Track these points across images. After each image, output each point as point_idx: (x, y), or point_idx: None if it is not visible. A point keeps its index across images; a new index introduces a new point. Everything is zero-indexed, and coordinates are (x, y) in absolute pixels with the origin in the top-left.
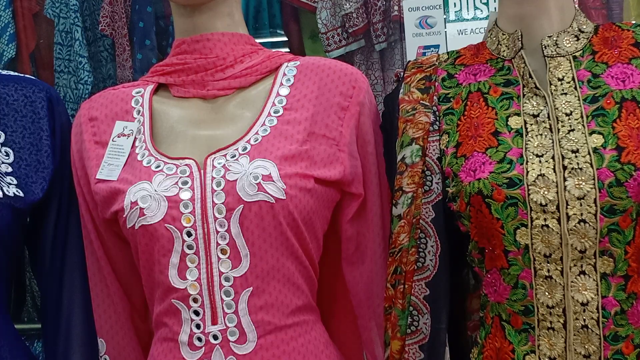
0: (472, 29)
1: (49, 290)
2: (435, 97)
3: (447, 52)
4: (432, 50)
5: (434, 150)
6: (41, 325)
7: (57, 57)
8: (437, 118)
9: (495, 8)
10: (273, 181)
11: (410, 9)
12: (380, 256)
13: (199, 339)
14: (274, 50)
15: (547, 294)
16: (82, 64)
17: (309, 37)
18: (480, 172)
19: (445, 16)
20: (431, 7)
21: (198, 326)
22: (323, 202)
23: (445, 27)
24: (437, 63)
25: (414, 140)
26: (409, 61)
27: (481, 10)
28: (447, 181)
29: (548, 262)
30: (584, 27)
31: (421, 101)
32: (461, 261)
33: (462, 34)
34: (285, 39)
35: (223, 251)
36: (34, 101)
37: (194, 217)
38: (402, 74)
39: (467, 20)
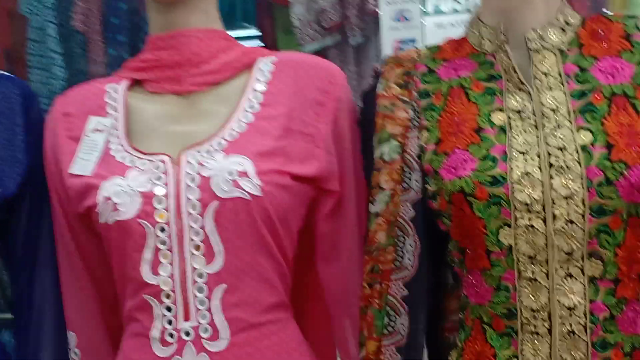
0: (450, 22)
1: (21, 284)
2: (414, 93)
3: (427, 47)
4: (409, 44)
5: (413, 146)
6: (13, 318)
7: (30, 53)
8: (417, 114)
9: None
10: (249, 177)
11: (387, 3)
12: (356, 254)
13: (171, 335)
14: (249, 45)
15: (531, 297)
16: (55, 60)
17: (282, 31)
18: (462, 170)
19: (422, 9)
20: (408, 1)
21: (170, 322)
22: (299, 198)
23: (422, 21)
24: (416, 58)
25: (393, 137)
26: (388, 56)
27: (459, 3)
28: (427, 178)
29: (533, 264)
30: (570, 19)
31: (400, 97)
32: (439, 260)
33: (440, 27)
34: (258, 32)
35: (197, 247)
36: (9, 97)
37: (168, 213)
38: (380, 68)
39: (445, 13)
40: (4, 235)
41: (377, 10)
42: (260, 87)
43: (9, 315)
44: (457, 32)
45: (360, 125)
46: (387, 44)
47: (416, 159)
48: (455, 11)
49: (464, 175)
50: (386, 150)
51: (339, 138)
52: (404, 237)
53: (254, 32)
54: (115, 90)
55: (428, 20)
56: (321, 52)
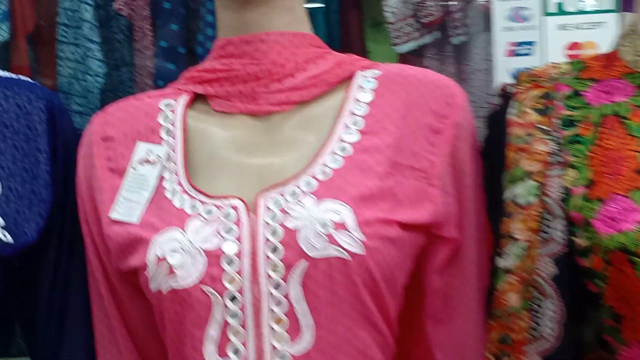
0: (576, 24)
1: (46, 346)
2: (556, 120)
3: (569, 62)
4: (526, 48)
5: (555, 188)
6: None
7: (61, 41)
8: (560, 147)
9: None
10: (348, 230)
11: None
12: (474, 314)
13: None
14: (345, 54)
15: None
16: (92, 50)
17: (372, 27)
18: (624, 222)
19: (543, 7)
20: None
21: None
22: (407, 250)
23: (542, 21)
24: (557, 76)
25: (529, 175)
26: (521, 72)
27: (588, 4)
28: (575, 229)
29: None
30: None
31: (538, 125)
32: (579, 320)
33: (563, 29)
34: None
35: (278, 321)
36: (29, 113)
37: (241, 277)
38: (511, 88)
39: (571, 13)
40: (21, 292)
41: (487, 6)
42: (360, 109)
43: None
44: (583, 36)
45: (484, 156)
46: (500, 47)
47: (559, 203)
48: (582, 11)
49: (626, 230)
50: (521, 192)
51: (458, 173)
52: (542, 301)
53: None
54: (172, 107)
55: (549, 21)
56: (417, 51)
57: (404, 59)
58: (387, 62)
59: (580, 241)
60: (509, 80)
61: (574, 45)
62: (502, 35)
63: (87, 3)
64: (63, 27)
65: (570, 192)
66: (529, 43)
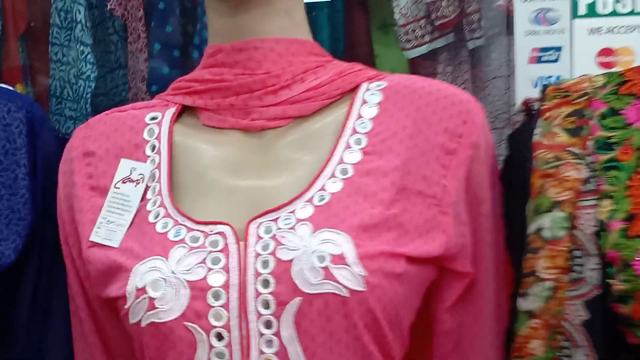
0: (608, 28)
1: None
2: (590, 143)
3: (605, 75)
4: (552, 54)
5: (588, 221)
6: None
7: (53, 43)
8: (594, 174)
9: None
10: (347, 264)
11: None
12: (492, 358)
13: None
14: (349, 63)
15: None
16: (84, 53)
17: (379, 29)
18: None
19: (572, 9)
20: None
21: None
22: (414, 287)
23: (571, 24)
24: (591, 90)
25: (557, 205)
26: (548, 85)
27: (623, 5)
28: (611, 270)
29: None
30: None
31: (569, 148)
32: None
33: (594, 33)
34: None
35: None
36: (8, 124)
37: (228, 313)
38: (536, 104)
39: (604, 15)
40: (6, 298)
41: (507, 6)
42: (364, 126)
43: None
44: (618, 41)
45: (503, 181)
46: (522, 53)
47: (593, 239)
48: (616, 13)
49: None
50: (547, 224)
51: (474, 200)
52: (571, 349)
53: None
54: (158, 121)
55: (579, 24)
56: (429, 55)
57: (415, 64)
58: (395, 68)
59: (618, 284)
60: (532, 90)
61: (607, 52)
62: (525, 39)
63: (79, 4)
64: (56, 28)
65: (606, 227)
66: (556, 49)
